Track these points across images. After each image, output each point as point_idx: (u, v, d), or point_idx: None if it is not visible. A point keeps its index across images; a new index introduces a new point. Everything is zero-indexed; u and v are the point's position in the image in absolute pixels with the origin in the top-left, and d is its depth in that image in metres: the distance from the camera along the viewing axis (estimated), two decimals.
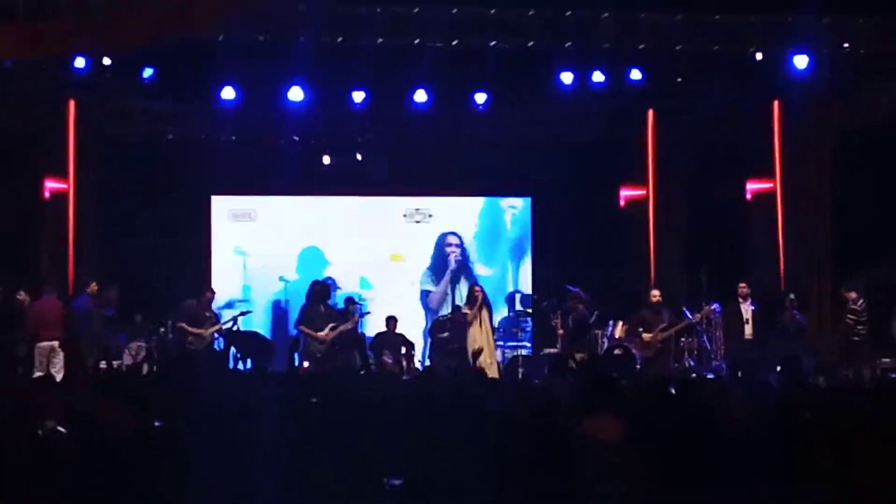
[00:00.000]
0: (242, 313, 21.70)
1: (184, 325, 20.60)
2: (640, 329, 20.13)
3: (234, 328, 20.98)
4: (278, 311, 24.37)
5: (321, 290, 20.71)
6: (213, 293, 21.36)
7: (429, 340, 21.21)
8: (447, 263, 24.79)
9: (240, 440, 8.01)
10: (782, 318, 20.29)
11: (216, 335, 20.72)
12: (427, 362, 20.84)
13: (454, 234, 24.96)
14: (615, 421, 7.20)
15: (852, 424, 9.28)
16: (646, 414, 9.27)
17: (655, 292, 20.49)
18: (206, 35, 17.42)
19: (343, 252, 24.52)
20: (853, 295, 19.98)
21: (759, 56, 20.40)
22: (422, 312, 24.54)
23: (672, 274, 23.58)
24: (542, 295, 23.02)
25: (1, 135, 21.59)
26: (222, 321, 20.98)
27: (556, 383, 12.00)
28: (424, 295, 24.75)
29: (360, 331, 21.78)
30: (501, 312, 23.88)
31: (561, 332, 20.91)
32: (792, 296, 20.59)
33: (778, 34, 19.83)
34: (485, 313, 20.45)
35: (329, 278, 23.65)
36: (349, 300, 21.77)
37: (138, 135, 23.60)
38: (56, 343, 18.74)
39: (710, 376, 18.94)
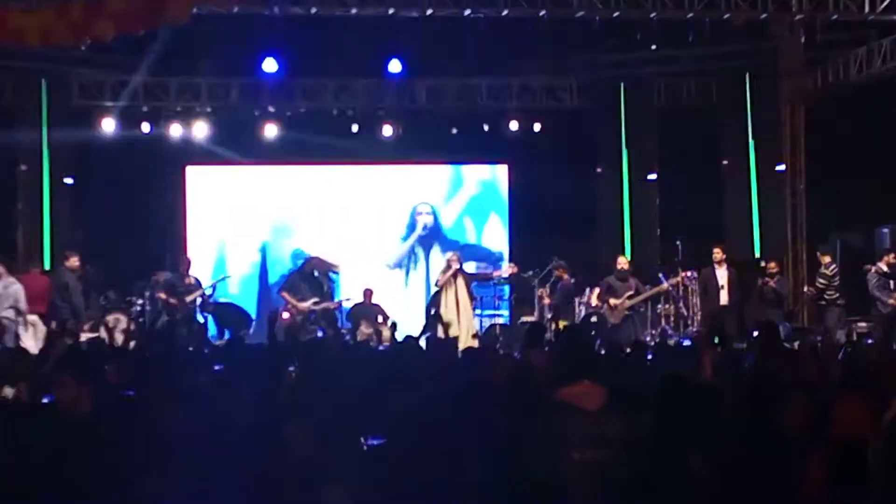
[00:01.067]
0: (221, 279, 21.89)
1: (162, 294, 20.65)
2: (607, 296, 20.18)
3: (212, 297, 21.10)
4: (254, 281, 24.37)
5: (314, 265, 20.87)
6: (190, 261, 21.37)
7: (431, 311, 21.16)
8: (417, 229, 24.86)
9: (216, 410, 8.04)
10: (760, 285, 20.35)
11: (196, 304, 20.81)
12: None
13: (426, 203, 24.98)
14: (595, 388, 7.23)
15: (825, 387, 9.37)
16: (625, 381, 9.34)
17: (622, 259, 20.53)
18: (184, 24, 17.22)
19: (317, 222, 24.49)
20: (828, 259, 20.09)
21: (732, 24, 20.36)
22: (398, 284, 24.56)
23: (648, 241, 23.68)
24: (518, 262, 23.04)
25: None
26: (203, 287, 21.03)
27: (532, 352, 12.02)
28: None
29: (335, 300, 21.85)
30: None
31: (548, 301, 20.93)
32: (772, 263, 20.67)
33: (752, 1, 19.81)
34: (461, 281, 20.36)
35: (298, 249, 23.67)
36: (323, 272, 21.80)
37: (112, 107, 23.53)
38: (37, 317, 18.81)
39: (687, 343, 19.07)
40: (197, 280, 21.08)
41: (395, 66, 22.46)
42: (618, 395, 7.57)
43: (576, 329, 18.48)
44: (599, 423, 7.04)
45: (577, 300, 21.37)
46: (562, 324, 19.69)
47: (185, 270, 20.97)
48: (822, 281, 19.98)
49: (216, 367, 11.48)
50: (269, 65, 21.79)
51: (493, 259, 24.79)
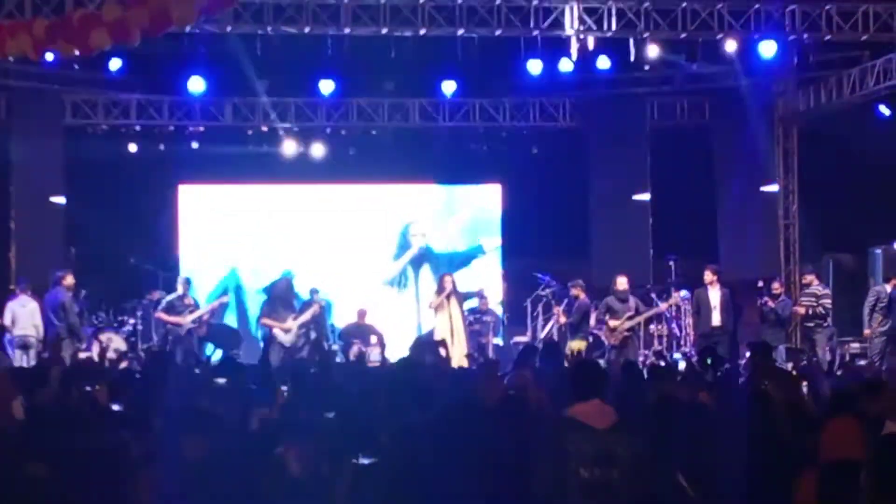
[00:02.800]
0: (222, 301, 21.92)
1: (162, 314, 20.65)
2: (607, 316, 20.01)
3: (212, 318, 21.17)
4: (248, 301, 24.31)
5: (280, 288, 20.91)
6: (188, 281, 21.36)
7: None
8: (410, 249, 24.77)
9: (213, 428, 8.04)
10: (760, 306, 20.27)
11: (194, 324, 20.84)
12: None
13: (418, 223, 24.89)
14: (605, 407, 7.21)
15: (817, 408, 9.38)
16: (625, 400, 9.33)
17: (622, 279, 20.24)
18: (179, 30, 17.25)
19: (309, 241, 24.42)
20: (811, 279, 20.10)
21: (726, 43, 20.37)
22: (389, 304, 24.47)
23: (640, 261, 23.63)
24: (511, 281, 22.98)
25: None
26: (200, 308, 21.04)
27: (521, 372, 11.99)
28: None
29: (328, 322, 21.83)
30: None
31: (563, 320, 20.76)
32: (776, 283, 20.57)
33: (745, 21, 19.84)
34: (454, 302, 20.35)
35: (288, 272, 23.63)
36: (314, 291, 21.77)
37: (106, 125, 23.54)
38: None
39: (681, 362, 19.03)
40: (195, 301, 21.09)
41: (388, 85, 22.48)
42: (628, 414, 7.57)
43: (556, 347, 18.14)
44: (608, 441, 7.02)
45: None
46: (576, 346, 19.43)
47: (184, 291, 20.99)
48: (805, 300, 19.99)
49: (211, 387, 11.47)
50: (262, 84, 21.84)
51: (475, 256, 24.74)
